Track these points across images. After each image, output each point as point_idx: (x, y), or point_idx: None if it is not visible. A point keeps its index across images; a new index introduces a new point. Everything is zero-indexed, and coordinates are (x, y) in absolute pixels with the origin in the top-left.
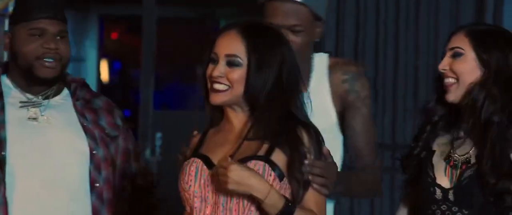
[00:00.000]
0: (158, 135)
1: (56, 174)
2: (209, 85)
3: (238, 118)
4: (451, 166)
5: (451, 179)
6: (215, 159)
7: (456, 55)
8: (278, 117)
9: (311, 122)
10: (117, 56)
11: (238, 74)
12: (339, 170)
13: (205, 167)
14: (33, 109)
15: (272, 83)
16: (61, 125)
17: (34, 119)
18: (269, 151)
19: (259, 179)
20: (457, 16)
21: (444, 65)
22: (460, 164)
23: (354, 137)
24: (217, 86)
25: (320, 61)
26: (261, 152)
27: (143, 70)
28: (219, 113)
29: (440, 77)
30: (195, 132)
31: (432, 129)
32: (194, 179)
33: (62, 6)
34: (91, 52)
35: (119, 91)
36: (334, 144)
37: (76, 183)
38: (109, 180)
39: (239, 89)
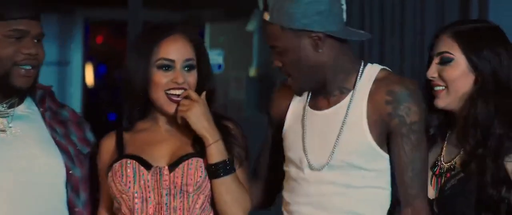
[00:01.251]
0: None
1: (29, 197)
2: (163, 93)
3: (167, 118)
4: (436, 175)
5: (436, 189)
6: (150, 159)
7: (445, 61)
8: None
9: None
10: (102, 60)
11: (195, 77)
12: (387, 202)
13: (142, 168)
14: (2, 119)
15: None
16: (31, 139)
17: (2, 131)
18: (203, 147)
19: (214, 125)
20: (443, 17)
21: (432, 72)
22: (444, 172)
23: (399, 168)
24: (178, 92)
25: (370, 73)
26: (196, 148)
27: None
28: (138, 115)
29: (428, 82)
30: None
31: (430, 143)
32: (133, 180)
33: (39, 5)
34: (76, 55)
35: (104, 95)
36: (371, 165)
37: (52, 208)
38: (89, 204)
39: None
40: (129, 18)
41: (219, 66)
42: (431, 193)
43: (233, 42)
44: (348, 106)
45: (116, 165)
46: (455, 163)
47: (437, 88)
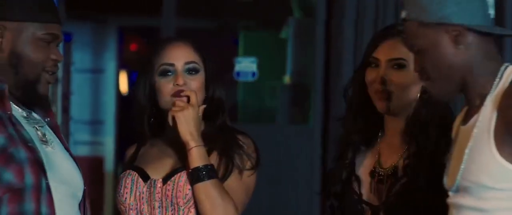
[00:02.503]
0: None
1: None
2: (170, 98)
3: (177, 131)
4: (376, 182)
5: (379, 195)
6: (150, 172)
7: (399, 67)
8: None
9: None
10: (136, 67)
11: (199, 82)
12: None
13: (140, 179)
14: (41, 130)
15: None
16: (63, 154)
17: (45, 143)
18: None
19: (199, 133)
20: None
21: (383, 78)
22: (385, 178)
23: None
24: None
25: (507, 77)
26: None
27: None
28: (152, 128)
29: (359, 85)
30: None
31: (354, 149)
32: (130, 192)
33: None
34: (110, 63)
35: None
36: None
37: None
38: None
39: (200, 96)
40: (162, 26)
41: (253, 74)
42: (374, 199)
43: (267, 50)
44: (477, 119)
45: (120, 176)
46: (396, 168)
47: (384, 93)
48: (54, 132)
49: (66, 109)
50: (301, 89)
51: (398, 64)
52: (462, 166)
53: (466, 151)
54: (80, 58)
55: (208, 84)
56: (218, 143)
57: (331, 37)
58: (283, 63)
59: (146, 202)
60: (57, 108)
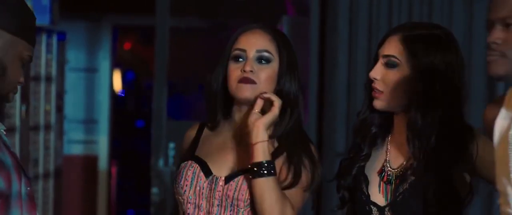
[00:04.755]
0: (171, 145)
1: None
2: (236, 83)
3: (242, 123)
4: (384, 182)
5: (386, 196)
6: (213, 167)
7: (390, 65)
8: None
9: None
10: (130, 66)
11: (269, 73)
12: None
13: (202, 173)
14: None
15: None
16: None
17: None
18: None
19: (265, 132)
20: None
21: (375, 73)
22: (393, 178)
23: None
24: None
25: None
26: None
27: (156, 80)
28: (222, 114)
29: (370, 81)
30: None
31: (370, 142)
32: (190, 185)
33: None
34: (104, 62)
35: (132, 101)
36: None
37: None
38: None
39: (269, 87)
40: (156, 25)
41: None
42: (381, 200)
43: None
44: None
45: (181, 165)
46: (404, 169)
47: (376, 90)
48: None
49: (60, 108)
50: None
51: (388, 62)
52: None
53: None
54: (74, 57)
55: (280, 76)
56: (290, 148)
57: (325, 36)
58: None
59: (206, 198)
60: (51, 107)
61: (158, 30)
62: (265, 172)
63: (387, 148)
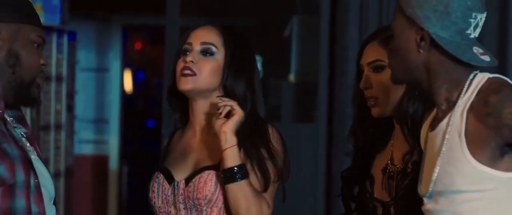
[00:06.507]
0: None
1: None
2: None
3: (202, 126)
4: (387, 178)
5: (389, 191)
6: (175, 172)
7: (378, 69)
8: (254, 115)
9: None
10: (141, 66)
11: (212, 65)
12: None
13: (166, 182)
14: (24, 139)
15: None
16: (40, 163)
17: (30, 152)
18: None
19: (233, 136)
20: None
21: (366, 82)
22: (395, 174)
23: None
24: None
25: (476, 84)
26: (217, 160)
27: (166, 79)
28: (183, 117)
29: (359, 95)
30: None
31: (363, 153)
32: (157, 196)
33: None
34: (114, 62)
35: (142, 101)
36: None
37: None
38: None
39: (211, 80)
40: (167, 25)
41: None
42: (385, 196)
43: (271, 48)
44: (448, 124)
45: (152, 179)
46: (404, 164)
47: (371, 99)
48: (30, 142)
49: (70, 108)
50: (305, 87)
51: (376, 67)
52: (435, 172)
53: (440, 155)
54: (85, 56)
55: (224, 70)
56: (246, 144)
57: (335, 35)
58: (288, 61)
59: (172, 204)
60: (62, 107)
61: (168, 30)
62: (237, 177)
63: (391, 149)
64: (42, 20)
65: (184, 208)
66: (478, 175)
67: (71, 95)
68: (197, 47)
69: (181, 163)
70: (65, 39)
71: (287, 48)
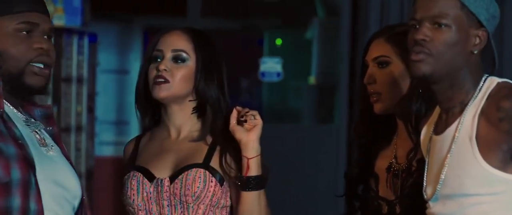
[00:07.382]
0: None
1: None
2: (151, 82)
3: (176, 126)
4: (391, 177)
5: (394, 190)
6: (155, 171)
7: (383, 64)
8: (225, 117)
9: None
10: None
11: (185, 72)
12: None
13: (146, 180)
14: (40, 135)
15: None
16: (63, 160)
17: (45, 146)
18: (208, 156)
19: (259, 146)
20: None
21: (370, 77)
22: (400, 172)
23: None
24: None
25: (487, 88)
26: (200, 158)
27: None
28: (151, 119)
29: (366, 89)
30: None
31: (364, 151)
32: (137, 193)
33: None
34: (135, 64)
35: None
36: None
37: None
38: None
39: (185, 86)
40: (188, 26)
41: (278, 74)
42: (390, 194)
43: (292, 50)
44: (457, 127)
45: (125, 178)
46: (408, 162)
47: (374, 95)
48: (56, 140)
49: (91, 110)
50: (326, 89)
51: (381, 62)
52: (443, 174)
53: (448, 158)
54: (106, 58)
55: (196, 75)
56: (223, 144)
57: (356, 37)
58: (308, 63)
59: (155, 201)
60: (83, 108)
61: None
62: (261, 186)
63: (394, 147)
64: (63, 22)
65: (168, 205)
66: (489, 177)
67: (92, 97)
68: (168, 54)
69: (158, 162)
70: (86, 40)
71: (308, 50)
